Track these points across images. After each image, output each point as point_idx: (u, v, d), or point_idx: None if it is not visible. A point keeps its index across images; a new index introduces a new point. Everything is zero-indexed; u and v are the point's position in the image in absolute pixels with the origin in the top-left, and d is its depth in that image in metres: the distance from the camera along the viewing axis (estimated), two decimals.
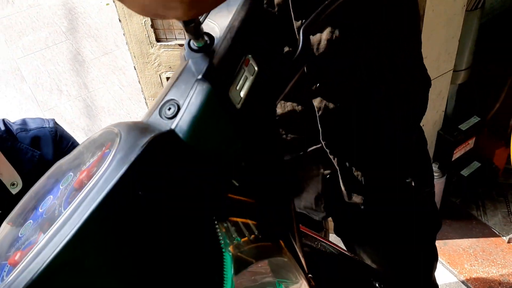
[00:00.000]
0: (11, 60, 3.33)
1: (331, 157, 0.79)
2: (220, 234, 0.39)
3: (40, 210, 0.47)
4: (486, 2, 1.75)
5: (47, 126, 1.06)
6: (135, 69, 1.47)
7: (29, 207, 0.48)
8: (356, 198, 0.83)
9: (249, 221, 0.43)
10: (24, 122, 1.05)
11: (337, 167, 0.80)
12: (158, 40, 1.37)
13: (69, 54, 3.31)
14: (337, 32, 0.67)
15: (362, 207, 0.84)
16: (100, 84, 3.03)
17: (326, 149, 0.78)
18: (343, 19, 0.67)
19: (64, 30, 3.55)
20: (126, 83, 3.00)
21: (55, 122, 1.10)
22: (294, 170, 0.87)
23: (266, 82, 0.47)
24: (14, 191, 0.95)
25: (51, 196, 0.47)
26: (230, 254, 0.38)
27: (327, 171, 0.86)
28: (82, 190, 0.40)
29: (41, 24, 3.63)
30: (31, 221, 0.47)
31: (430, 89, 0.93)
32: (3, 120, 1.05)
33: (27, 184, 0.95)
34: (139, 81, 1.50)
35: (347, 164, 0.80)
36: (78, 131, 2.72)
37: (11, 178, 0.95)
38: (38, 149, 1.03)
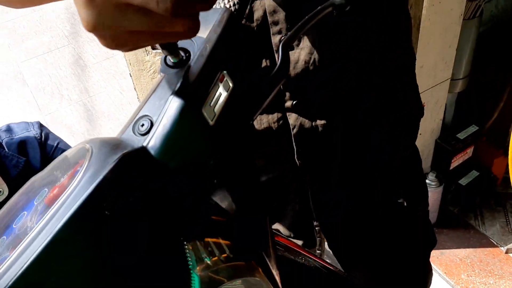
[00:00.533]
0: (14, 63, 3.35)
1: (305, 177, 0.78)
2: (188, 254, 0.39)
3: (14, 226, 0.46)
4: (485, 10, 1.75)
5: (32, 130, 1.06)
6: (130, 76, 1.47)
7: (4, 223, 0.48)
8: (327, 220, 0.81)
9: (221, 241, 0.43)
10: (9, 128, 1.05)
11: (309, 188, 0.79)
12: (153, 47, 1.37)
13: (71, 58, 3.33)
14: (316, 55, 0.66)
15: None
16: (101, 89, 3.04)
17: (302, 170, 0.77)
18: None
19: (67, 34, 3.56)
20: (127, 88, 3.01)
21: (40, 124, 1.10)
22: (270, 192, 0.86)
23: (242, 98, 0.47)
24: (0, 198, 0.95)
25: (25, 212, 0.47)
26: (198, 274, 0.38)
27: (303, 195, 0.84)
28: (51, 208, 0.40)
29: (44, 28, 3.65)
30: (4, 237, 0.46)
31: (428, 97, 0.92)
32: None
33: (13, 191, 0.94)
34: (134, 88, 1.50)
35: (322, 184, 0.78)
36: (77, 136, 2.73)
37: None
38: (24, 154, 1.03)
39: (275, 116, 0.74)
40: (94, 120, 2.83)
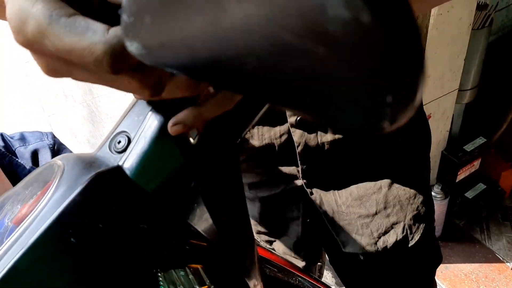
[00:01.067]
0: (19, 64, 3.35)
1: (313, 198, 0.74)
2: (162, 285, 0.36)
3: None
4: (495, 20, 1.71)
5: (46, 140, 1.04)
6: None
7: None
8: (352, 248, 0.77)
9: (200, 268, 0.39)
10: (22, 137, 1.04)
11: (319, 210, 0.75)
12: None
13: None
14: None
15: (361, 257, 0.78)
16: (105, 90, 3.02)
17: (307, 189, 0.73)
18: None
19: None
20: None
21: (54, 135, 1.08)
22: (271, 209, 0.82)
23: (228, 114, 0.44)
24: None
25: None
26: None
27: (308, 214, 0.80)
28: (18, 228, 0.37)
29: None
30: None
31: (435, 108, 0.87)
32: (2, 135, 1.03)
33: None
34: None
35: (333, 206, 0.74)
36: (80, 137, 2.71)
37: None
38: (37, 163, 1.02)
39: (278, 131, 0.71)
40: (98, 122, 2.81)
